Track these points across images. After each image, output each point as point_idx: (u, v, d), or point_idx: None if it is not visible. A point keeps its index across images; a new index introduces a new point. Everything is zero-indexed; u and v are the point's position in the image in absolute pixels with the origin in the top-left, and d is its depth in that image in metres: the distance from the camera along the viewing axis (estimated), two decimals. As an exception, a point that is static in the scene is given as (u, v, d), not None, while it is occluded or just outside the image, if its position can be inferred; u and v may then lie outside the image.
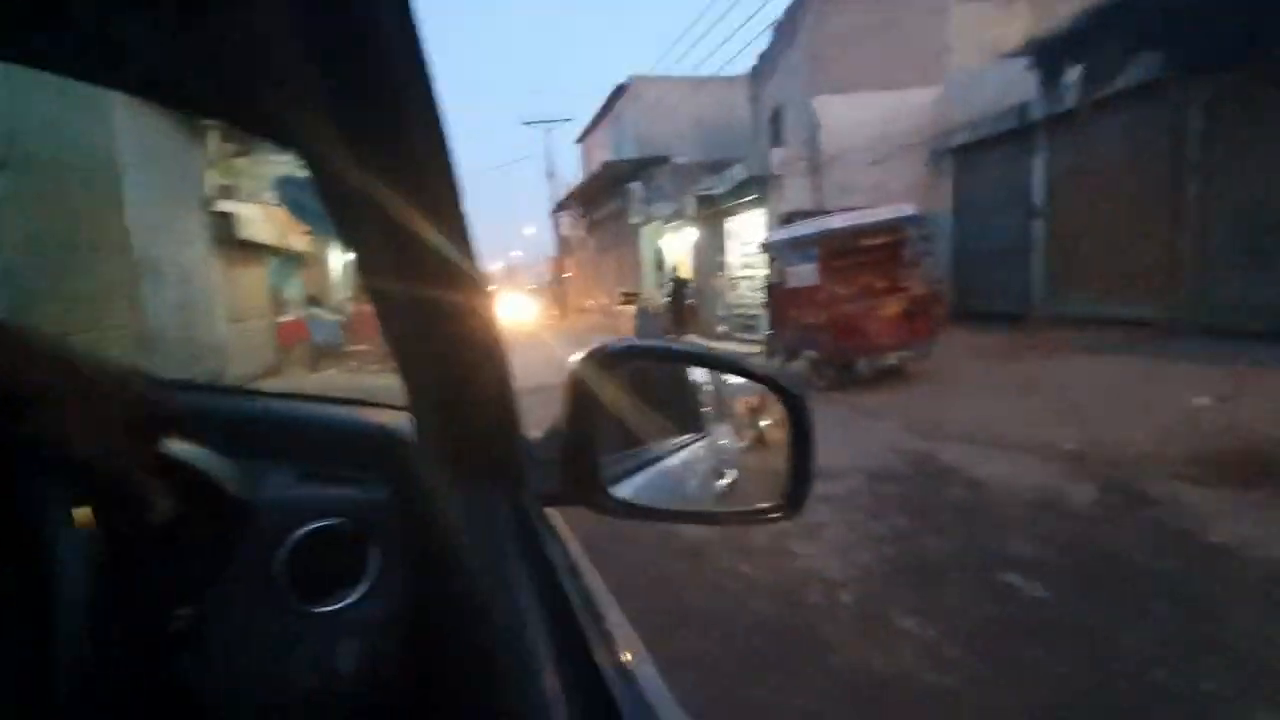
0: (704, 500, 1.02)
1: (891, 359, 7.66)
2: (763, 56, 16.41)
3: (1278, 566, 2.84)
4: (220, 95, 0.49)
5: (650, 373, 1.01)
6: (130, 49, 0.43)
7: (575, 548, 0.79)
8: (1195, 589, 2.70)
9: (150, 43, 0.42)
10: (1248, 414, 4.89)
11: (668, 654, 2.36)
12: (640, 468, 0.89)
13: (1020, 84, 8.89)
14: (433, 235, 0.46)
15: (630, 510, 0.71)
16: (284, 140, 0.47)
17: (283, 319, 12.68)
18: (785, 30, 14.64)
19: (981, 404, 6.26)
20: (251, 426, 0.87)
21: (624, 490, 0.78)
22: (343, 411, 0.98)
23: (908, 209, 8.13)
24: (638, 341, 0.76)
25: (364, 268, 0.52)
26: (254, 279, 11.39)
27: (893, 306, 7.94)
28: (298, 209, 9.28)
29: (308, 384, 10.78)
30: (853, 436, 5.55)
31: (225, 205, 9.85)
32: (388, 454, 0.84)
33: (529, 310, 17.28)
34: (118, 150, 7.07)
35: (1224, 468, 4.11)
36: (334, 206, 0.47)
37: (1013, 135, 9.92)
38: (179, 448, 0.61)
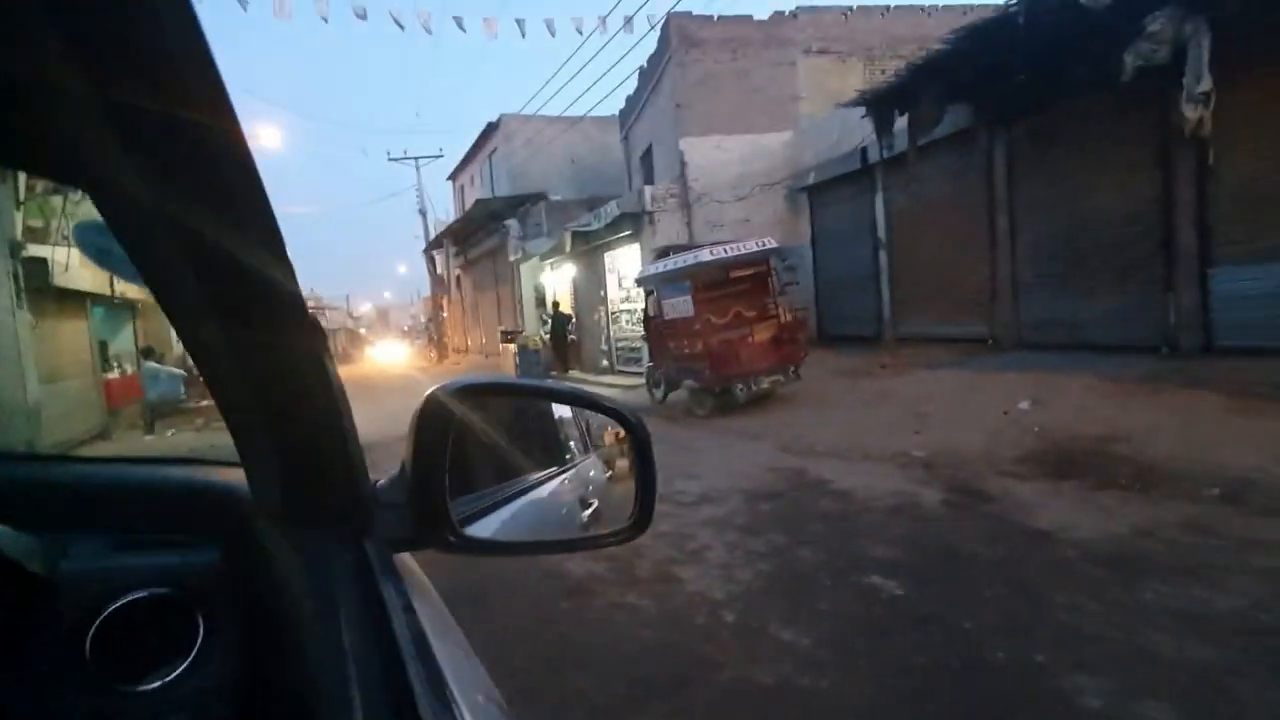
0: (569, 530, 1.03)
1: (765, 384, 8.10)
2: (630, 100, 17.12)
3: (1089, 546, 3.28)
4: None
5: (513, 407, 1.02)
6: None
7: (427, 590, 0.78)
8: (1024, 572, 3.05)
9: None
10: (1056, 414, 5.65)
11: (557, 694, 2.32)
12: (504, 503, 0.89)
13: (860, 130, 9.90)
14: (249, 270, 0.43)
15: (483, 547, 0.71)
16: (69, 177, 0.44)
17: (110, 375, 11.28)
18: (649, 76, 15.40)
19: (845, 420, 6.76)
20: (55, 495, 0.78)
21: (487, 527, 0.78)
22: (169, 472, 0.90)
23: (771, 242, 8.72)
24: (479, 378, 0.77)
25: (175, 313, 0.49)
26: (74, 332, 10.07)
27: (763, 333, 8.44)
28: (102, 256, 8.31)
29: (144, 446, 9.60)
30: (732, 459, 5.78)
31: (37, 250, 8.68)
32: (219, 514, 0.78)
33: (400, 354, 16.53)
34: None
35: (1042, 462, 4.72)
36: (135, 249, 0.44)
37: (856, 175, 10.99)
38: None
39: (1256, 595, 2.65)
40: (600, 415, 0.88)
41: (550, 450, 1.17)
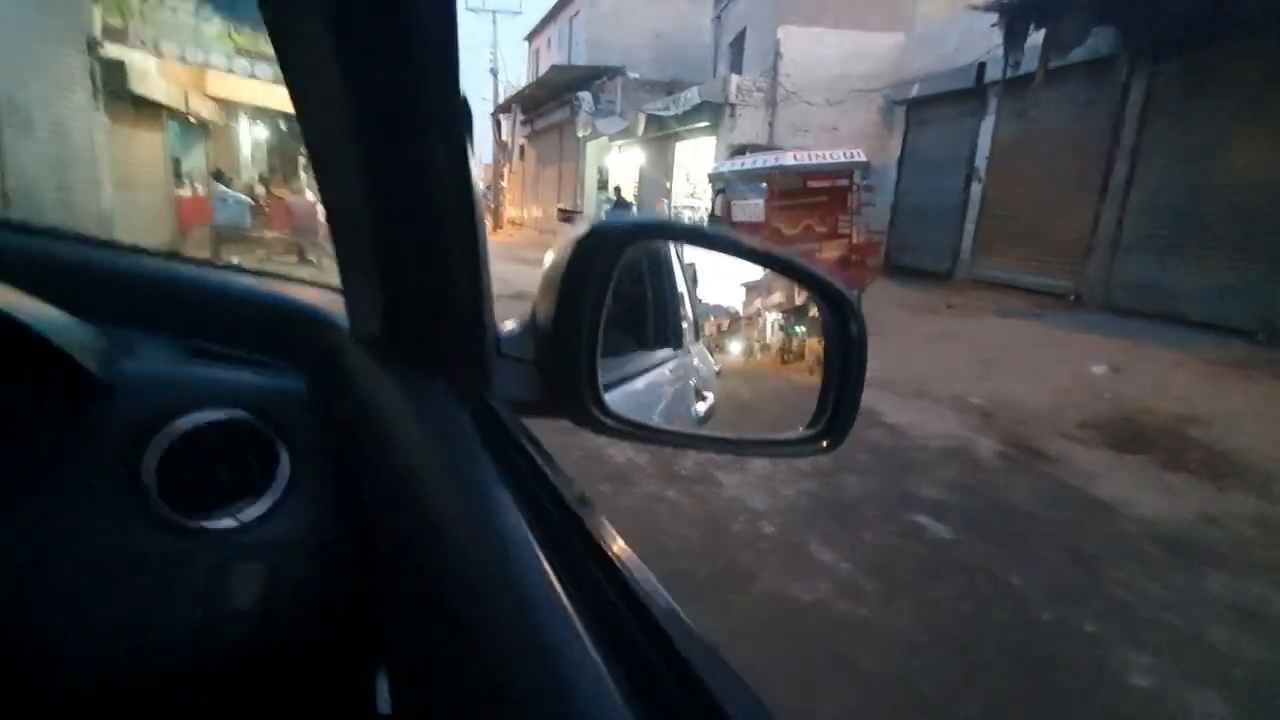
0: (688, 421, 0.92)
1: (792, 303, 7.81)
2: (731, -27, 15.62)
3: (1151, 525, 3.12)
4: None
5: (629, 274, 0.88)
6: None
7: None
8: (1081, 540, 2.92)
9: None
10: (1134, 386, 5.31)
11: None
12: (620, 382, 0.76)
13: (983, 41, 8.86)
14: (409, 73, 0.39)
15: (631, 430, 0.58)
16: None
17: (182, 193, 11.45)
18: (758, -52, 13.92)
19: (904, 354, 6.50)
20: (124, 287, 0.67)
21: (612, 401, 0.66)
22: (253, 283, 0.78)
23: (859, 154, 8.11)
24: (651, 218, 0.61)
25: (308, 112, 0.44)
26: (149, 144, 10.12)
27: (832, 251, 8.02)
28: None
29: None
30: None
31: (116, 51, 8.56)
32: (308, 338, 0.67)
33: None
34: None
35: (1110, 432, 4.47)
36: (284, 46, 0.40)
37: (966, 94, 9.97)
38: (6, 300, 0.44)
39: (1324, 605, 2.49)
40: (797, 283, 0.71)
41: (662, 329, 1.04)
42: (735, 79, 12.54)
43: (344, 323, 0.62)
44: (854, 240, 8.20)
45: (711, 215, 9.51)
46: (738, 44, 15.11)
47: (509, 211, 28.15)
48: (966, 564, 2.63)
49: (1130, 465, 3.96)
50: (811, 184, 8.18)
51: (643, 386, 0.82)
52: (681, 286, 1.07)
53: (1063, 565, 2.68)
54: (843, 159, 7.98)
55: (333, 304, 0.69)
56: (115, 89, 8.46)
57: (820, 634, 2.13)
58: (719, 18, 16.57)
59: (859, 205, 8.67)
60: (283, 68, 0.42)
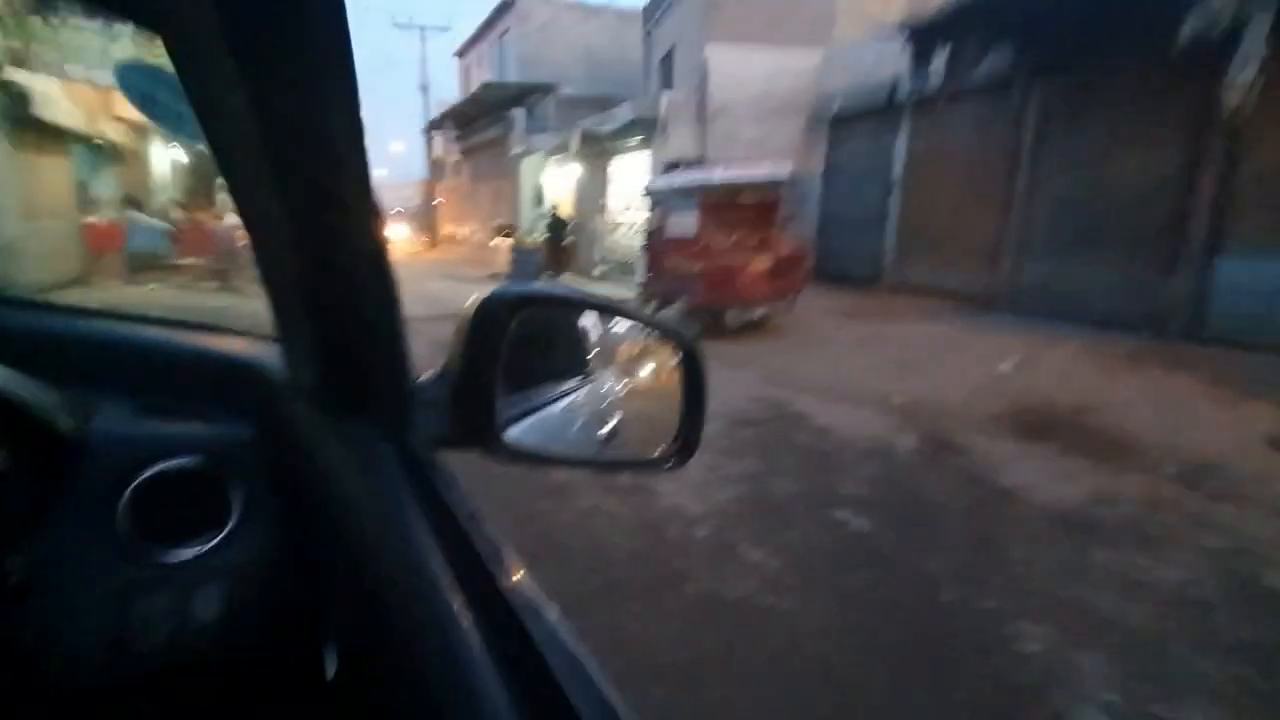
0: (589, 446, 1.04)
1: (757, 313, 8.10)
2: (658, -7, 16.04)
3: (1049, 507, 3.44)
4: None
5: (537, 314, 1.00)
6: None
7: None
8: (985, 525, 3.20)
9: None
10: (1036, 379, 5.77)
11: (532, 587, 2.44)
12: (526, 413, 0.89)
13: (895, 61, 9.43)
14: (318, 142, 0.42)
15: (526, 456, 0.71)
16: (150, 21, 0.41)
17: (91, 220, 10.90)
18: (682, -31, 14.37)
19: (832, 358, 6.84)
20: (81, 350, 0.76)
21: (514, 434, 0.78)
22: (196, 338, 0.88)
23: (786, 169, 8.48)
24: (534, 287, 0.74)
25: (232, 176, 0.47)
26: (55, 170, 9.61)
27: (763, 262, 8.35)
28: (146, 102, 7.87)
29: (125, 297, 9.43)
30: (717, 384, 5.75)
31: (15, 75, 8.12)
32: (249, 388, 0.77)
33: (397, 237, 16.08)
34: None
35: (1016, 423, 4.85)
36: (202, 100, 0.41)
37: (881, 111, 10.57)
38: None
39: (1195, 571, 2.82)
40: (647, 331, 0.86)
41: (571, 360, 1.17)
42: (666, 95, 12.87)
43: (283, 373, 0.72)
44: (783, 252, 8.55)
45: (648, 229, 9.73)
46: (667, 61, 15.51)
47: (446, 228, 27.78)
48: (882, 554, 2.85)
49: (1034, 453, 4.32)
50: (741, 199, 8.51)
51: (554, 414, 0.95)
52: (590, 320, 1.20)
53: (967, 549, 2.93)
54: (768, 175, 8.32)
55: (273, 354, 0.79)
56: (17, 115, 8.04)
57: (745, 628, 2.29)
58: (649, 35, 16.97)
59: (788, 217, 9.05)
60: (206, 136, 0.46)
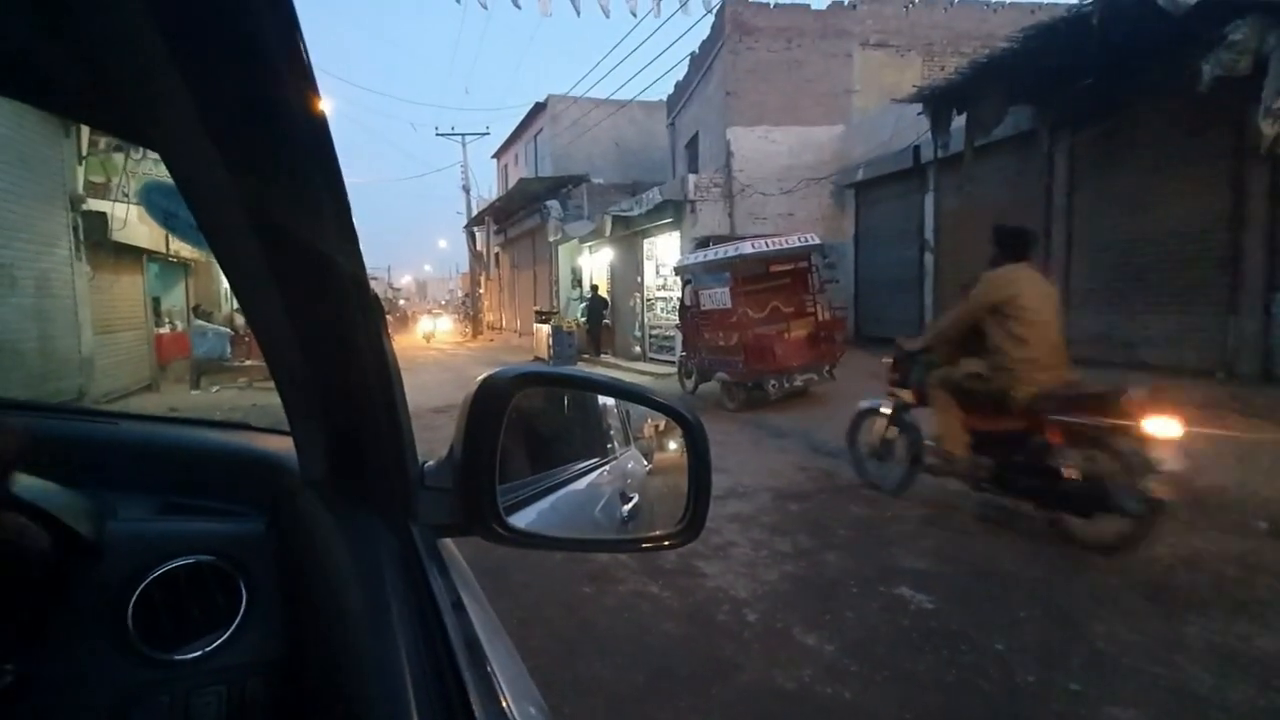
0: (608, 526, 1.00)
1: (798, 381, 7.98)
2: (679, 85, 16.93)
3: (1131, 573, 3.14)
4: (69, 90, 0.45)
5: (557, 394, 1.00)
6: None
7: (470, 581, 0.76)
8: (1061, 596, 2.94)
9: None
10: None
11: (574, 678, 2.32)
12: (543, 494, 0.87)
13: (914, 127, 9.63)
14: (315, 244, 0.44)
15: (528, 539, 0.68)
16: (145, 140, 0.43)
17: (161, 330, 11.67)
18: (700, 62, 15.20)
19: (879, 424, 6.62)
20: (103, 453, 0.79)
21: (525, 517, 0.76)
22: (217, 436, 0.90)
23: (813, 237, 8.57)
24: (535, 367, 0.74)
25: (237, 281, 0.49)
26: (129, 287, 10.42)
27: (799, 330, 8.32)
28: (168, 219, 8.68)
29: (189, 401, 9.92)
30: (762, 456, 5.72)
31: (98, 205, 8.98)
32: (267, 483, 0.78)
33: (438, 328, 16.71)
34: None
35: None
36: (204, 214, 0.44)
37: (906, 174, 10.70)
38: (8, 479, 0.54)
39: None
40: (652, 411, 0.84)
41: (592, 440, 1.15)
42: (693, 178, 13.34)
43: (296, 465, 0.73)
44: (820, 318, 8.51)
45: (682, 304, 9.86)
46: (692, 146, 16.18)
47: (488, 317, 28.73)
48: (949, 631, 2.63)
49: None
50: (773, 268, 8.59)
51: (574, 493, 0.92)
52: (609, 399, 1.19)
53: (1044, 623, 2.69)
54: (798, 243, 8.42)
55: (288, 448, 0.80)
56: (97, 239, 8.82)
57: (805, 721, 2.11)
58: (673, 124, 17.82)
59: (821, 284, 9.07)
60: (210, 246, 0.47)
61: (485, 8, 12.32)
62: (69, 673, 0.58)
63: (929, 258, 10.59)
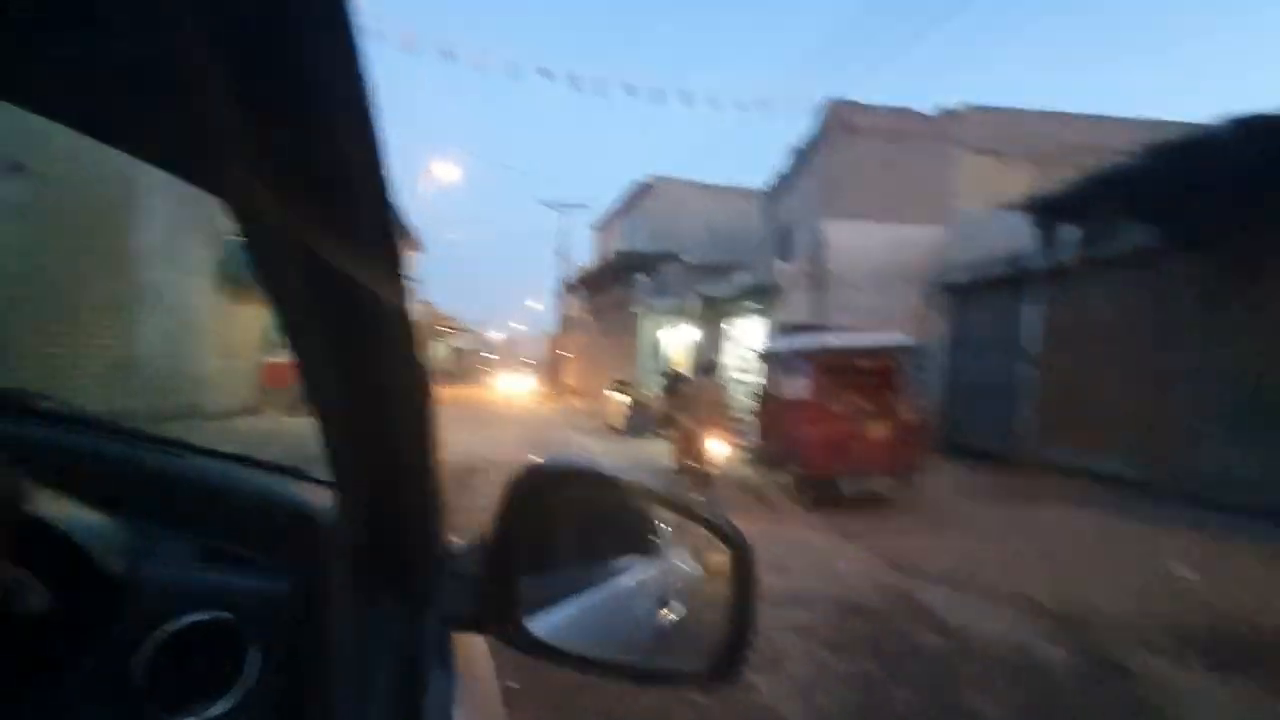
0: (641, 640, 0.92)
1: (875, 484, 7.55)
2: (780, 176, 17.32)
3: None
4: (133, 127, 0.46)
5: (590, 485, 0.94)
6: (61, 75, 0.41)
7: (482, 685, 0.70)
8: None
9: (87, 72, 0.39)
10: (1228, 590, 4.76)
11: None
12: (574, 593, 0.80)
13: (1019, 234, 9.32)
14: (365, 301, 0.43)
15: (543, 650, 0.62)
16: (216, 188, 0.44)
17: (271, 359, 12.59)
18: (802, 156, 15.54)
19: (962, 544, 6.11)
20: (163, 485, 0.78)
21: (548, 620, 0.70)
22: (269, 480, 0.89)
23: (904, 337, 8.30)
24: (577, 461, 0.70)
25: (286, 328, 0.48)
26: (249, 317, 11.39)
27: (880, 430, 7.93)
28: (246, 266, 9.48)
29: (283, 427, 10.53)
30: (829, 560, 5.37)
31: (228, 238, 9.99)
32: (303, 539, 0.75)
33: (522, 386, 17.19)
34: (137, 169, 7.24)
35: (1204, 645, 3.94)
36: (258, 258, 0.43)
37: (1008, 281, 10.29)
38: (51, 505, 0.53)
39: None
40: (707, 530, 0.76)
41: (637, 534, 1.08)
42: (783, 265, 13.41)
43: (331, 525, 0.71)
44: (903, 420, 8.11)
45: (762, 390, 9.70)
46: (786, 234, 16.35)
47: (567, 380, 29.36)
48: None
49: (1227, 687, 3.45)
50: (858, 363, 8.34)
51: (607, 596, 0.85)
52: (656, 487, 1.12)
53: None
54: (887, 341, 8.17)
55: (328, 503, 0.78)
56: (232, 271, 9.76)
57: None
58: (769, 211, 18.15)
59: (907, 385, 8.70)
60: (268, 299, 0.46)
61: (603, 96, 13.23)
62: None
63: (1029, 369, 9.99)
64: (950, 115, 14.14)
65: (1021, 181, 12.72)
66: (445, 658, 0.60)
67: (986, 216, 11.25)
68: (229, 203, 0.40)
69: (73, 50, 0.37)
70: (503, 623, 0.60)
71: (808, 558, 5.38)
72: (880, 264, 12.85)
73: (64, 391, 0.87)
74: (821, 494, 7.67)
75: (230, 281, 9.93)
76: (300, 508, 0.83)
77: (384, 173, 0.36)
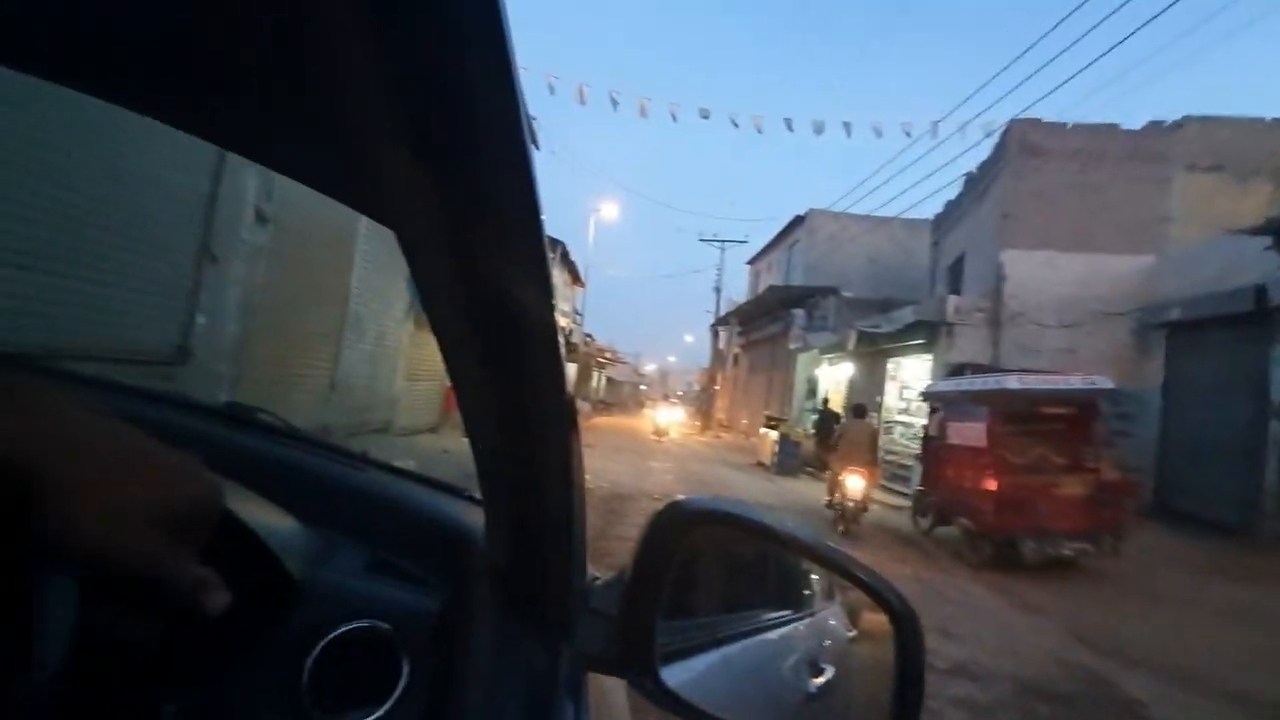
0: (788, 700, 0.86)
1: (1066, 548, 6.59)
2: (949, 205, 16.16)
3: None
4: (307, 162, 0.51)
5: (741, 532, 0.90)
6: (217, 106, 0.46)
7: None
8: None
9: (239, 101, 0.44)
10: None
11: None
12: (715, 643, 0.77)
13: (1257, 263, 7.84)
14: (518, 331, 0.44)
15: (675, 703, 0.60)
16: (384, 217, 0.48)
17: (450, 384, 13.86)
18: (976, 183, 14.37)
19: (1179, 626, 5.13)
20: (345, 496, 0.83)
21: (687, 670, 0.68)
22: (434, 497, 0.95)
23: (1102, 381, 7.27)
24: (724, 504, 0.67)
25: (447, 355, 0.51)
26: (435, 345, 12.67)
27: (1074, 487, 6.94)
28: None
29: (459, 445, 11.50)
30: (1006, 631, 4.76)
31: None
32: (458, 558, 0.79)
33: (673, 418, 17.34)
34: (355, 217, 8.40)
35: None
36: (426, 289, 0.46)
37: (1244, 319, 8.64)
38: (247, 507, 0.58)
39: None
40: (867, 594, 0.70)
41: (785, 586, 1.02)
42: (954, 299, 12.37)
43: (482, 544, 0.74)
44: (1103, 477, 7.05)
45: (926, 434, 8.98)
46: (956, 267, 15.12)
47: (718, 414, 29.20)
48: None
49: None
50: (1046, 409, 7.42)
51: (740, 651, 0.81)
52: (808, 539, 1.06)
53: None
54: (1081, 385, 7.20)
55: (480, 522, 0.81)
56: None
57: None
58: (937, 243, 16.92)
59: (1108, 436, 7.57)
60: (430, 326, 0.50)
61: (760, 132, 13.28)
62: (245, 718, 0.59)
63: (1275, 425, 8.26)
64: (1160, 129, 12.34)
65: (1256, 202, 10.75)
66: (577, 693, 0.59)
67: (1211, 243, 9.62)
68: (395, 232, 0.43)
69: (260, 95, 0.43)
70: (637, 667, 0.58)
71: (978, 623, 4.81)
72: (1069, 298, 11.44)
73: (287, 408, 1.00)
74: (997, 554, 6.85)
75: (418, 312, 11.16)
76: (458, 527, 0.87)
77: (538, 208, 0.37)
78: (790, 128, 14.51)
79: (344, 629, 0.64)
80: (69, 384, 0.85)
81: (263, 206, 6.40)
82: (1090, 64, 9.03)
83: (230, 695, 0.58)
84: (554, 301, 0.44)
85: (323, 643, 0.62)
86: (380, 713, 0.63)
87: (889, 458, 13.37)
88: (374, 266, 9.17)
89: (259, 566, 0.60)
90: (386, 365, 10.24)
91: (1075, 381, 7.26)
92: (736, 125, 14.12)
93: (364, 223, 8.80)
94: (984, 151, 14.01)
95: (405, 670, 0.66)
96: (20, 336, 3.95)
